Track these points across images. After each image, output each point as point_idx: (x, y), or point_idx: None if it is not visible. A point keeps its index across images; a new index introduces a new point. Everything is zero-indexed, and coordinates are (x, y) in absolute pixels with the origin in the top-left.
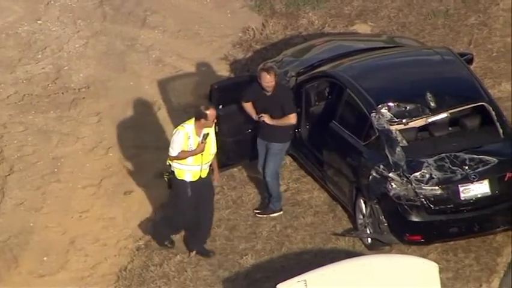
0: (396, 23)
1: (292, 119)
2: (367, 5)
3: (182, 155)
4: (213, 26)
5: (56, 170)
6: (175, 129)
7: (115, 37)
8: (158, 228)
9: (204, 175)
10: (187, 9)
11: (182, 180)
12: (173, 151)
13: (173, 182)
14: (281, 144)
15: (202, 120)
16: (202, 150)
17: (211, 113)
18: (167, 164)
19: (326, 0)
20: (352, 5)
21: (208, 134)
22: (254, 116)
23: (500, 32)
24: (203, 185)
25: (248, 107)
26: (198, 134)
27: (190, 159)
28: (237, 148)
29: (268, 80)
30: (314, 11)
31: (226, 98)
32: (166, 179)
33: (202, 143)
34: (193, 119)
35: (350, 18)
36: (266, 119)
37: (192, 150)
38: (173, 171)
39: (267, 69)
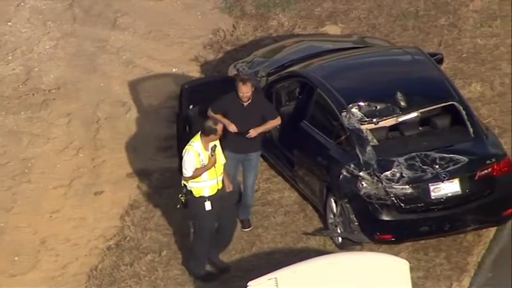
0: (367, 24)
1: (278, 120)
2: (337, 7)
3: (197, 173)
4: (183, 27)
5: (26, 170)
6: (184, 150)
7: (85, 39)
8: (189, 263)
9: (220, 187)
10: (157, 11)
11: (201, 196)
12: (188, 171)
13: (191, 202)
14: (260, 151)
15: (212, 136)
16: (215, 163)
17: (220, 127)
18: (182, 185)
19: (296, 1)
20: (322, 7)
21: (215, 145)
22: (231, 127)
23: (470, 33)
24: (221, 197)
25: (218, 117)
26: (206, 149)
27: (205, 175)
28: None
29: (245, 91)
30: (284, 12)
31: (197, 98)
32: (182, 200)
33: (212, 156)
34: (198, 136)
35: (320, 20)
36: (254, 132)
37: (205, 165)
38: (189, 191)
39: (243, 80)
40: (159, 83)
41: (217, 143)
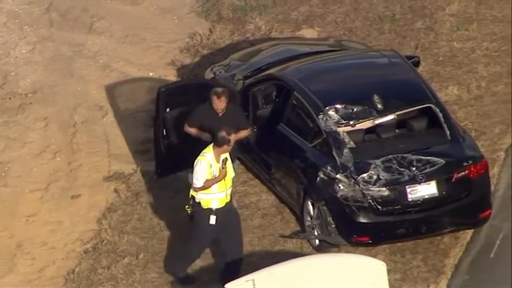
0: (343, 27)
1: (248, 131)
2: (314, 11)
3: (208, 184)
4: (160, 31)
5: (3, 174)
6: (196, 160)
7: (62, 43)
8: (172, 262)
9: (228, 200)
10: (133, 16)
11: (209, 208)
12: (199, 182)
13: (197, 213)
14: (236, 161)
15: (225, 147)
16: (225, 176)
17: (233, 138)
18: (190, 196)
19: (272, 5)
20: (299, 11)
21: (226, 158)
22: (205, 136)
23: (446, 36)
24: (229, 210)
25: (193, 131)
26: (217, 161)
27: (215, 187)
28: (184, 152)
29: (219, 105)
30: (261, 16)
31: (174, 102)
32: (188, 211)
33: (223, 168)
34: (211, 147)
35: (297, 23)
36: (233, 138)
37: (216, 177)
38: (197, 202)
39: (218, 94)
40: (136, 87)
41: (228, 155)
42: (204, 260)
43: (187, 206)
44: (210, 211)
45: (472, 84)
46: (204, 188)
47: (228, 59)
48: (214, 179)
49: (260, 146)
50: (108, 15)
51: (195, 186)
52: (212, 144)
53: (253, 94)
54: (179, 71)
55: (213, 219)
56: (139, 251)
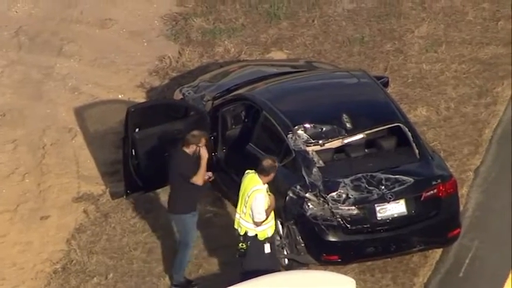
0: (312, 50)
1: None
2: (283, 33)
3: (267, 214)
4: (129, 54)
5: None
6: (254, 195)
7: (31, 66)
8: None
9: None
10: (102, 39)
11: (265, 238)
12: (263, 214)
13: (254, 247)
14: None
15: (272, 174)
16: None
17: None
18: (242, 233)
19: (241, 28)
20: (268, 33)
21: (267, 185)
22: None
23: (415, 58)
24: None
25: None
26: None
27: (270, 216)
28: (154, 172)
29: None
30: (230, 39)
31: (143, 121)
32: (243, 249)
33: (270, 195)
34: (257, 177)
35: (266, 46)
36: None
37: (270, 205)
38: (253, 236)
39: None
40: (105, 109)
41: None
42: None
43: (241, 245)
44: (265, 240)
45: (441, 105)
46: (266, 219)
47: (197, 80)
48: (269, 207)
49: (229, 166)
50: (77, 38)
51: (259, 220)
52: (256, 174)
53: (222, 115)
54: (148, 94)
55: (267, 248)
56: (108, 271)
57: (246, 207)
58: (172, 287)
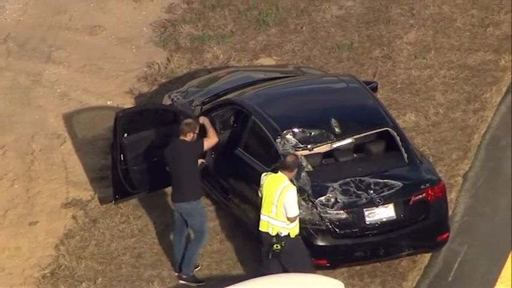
0: (301, 56)
1: None
2: (272, 40)
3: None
4: (118, 61)
5: None
6: (285, 192)
7: (19, 73)
8: None
9: None
10: (91, 45)
11: (297, 235)
12: (296, 209)
13: (289, 244)
14: None
15: (295, 170)
16: None
17: None
18: (276, 234)
19: (230, 35)
20: (257, 40)
21: None
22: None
23: (404, 64)
24: None
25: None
26: None
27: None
28: (142, 177)
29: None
30: (219, 45)
31: (131, 126)
32: (278, 249)
33: None
34: (283, 175)
35: (255, 52)
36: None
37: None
38: (287, 235)
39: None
40: (94, 115)
41: None
42: (161, 285)
43: (276, 246)
44: (298, 236)
45: (430, 111)
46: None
47: (186, 86)
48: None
49: (218, 171)
50: (66, 45)
51: (294, 215)
52: (279, 173)
53: (211, 119)
54: (137, 100)
55: (302, 242)
56: (97, 276)
57: (276, 207)
58: (180, 282)
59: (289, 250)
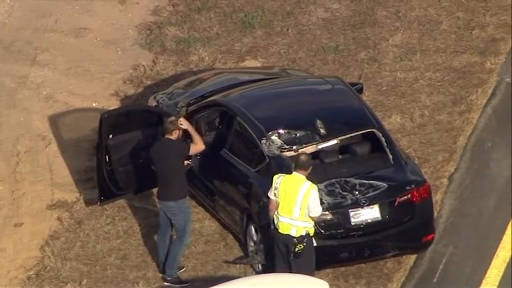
0: (287, 58)
1: None
2: (257, 42)
3: None
4: (104, 63)
5: None
6: (310, 191)
7: (5, 75)
8: None
9: None
10: (77, 48)
11: (313, 234)
12: (320, 208)
13: (309, 244)
14: None
15: (310, 168)
16: None
17: None
18: (299, 236)
19: (216, 37)
20: (242, 42)
21: None
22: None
23: (389, 66)
24: None
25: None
26: None
27: None
28: (127, 178)
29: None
30: (205, 47)
31: (117, 128)
32: (301, 249)
33: None
34: (298, 175)
35: (241, 55)
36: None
37: None
38: (307, 234)
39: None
40: (79, 117)
41: None
42: (146, 286)
43: (299, 246)
44: (313, 235)
45: (415, 113)
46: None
47: (171, 87)
48: None
49: (203, 173)
50: (52, 47)
51: (318, 214)
52: (299, 171)
53: (196, 121)
54: (122, 102)
55: (314, 241)
56: (82, 277)
57: (300, 208)
58: (165, 284)
59: (307, 249)
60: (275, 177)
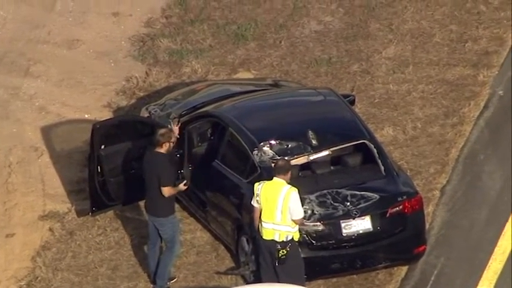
0: (279, 70)
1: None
2: (250, 54)
3: None
4: (96, 75)
5: None
6: (289, 195)
7: None
8: None
9: None
10: (70, 59)
11: (298, 239)
12: (302, 211)
13: (293, 249)
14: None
15: (290, 172)
16: None
17: None
18: (282, 240)
19: (209, 49)
20: (235, 54)
21: None
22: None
23: (382, 79)
24: None
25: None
26: None
27: None
28: (119, 189)
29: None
30: (197, 59)
31: (108, 138)
32: (284, 255)
33: None
34: (279, 180)
35: (233, 66)
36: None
37: None
38: (291, 239)
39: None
40: (72, 128)
41: None
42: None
43: (282, 252)
44: (298, 242)
45: (408, 125)
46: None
47: (164, 99)
48: None
49: (195, 184)
50: (45, 59)
51: (300, 217)
52: (275, 178)
53: (188, 132)
54: (115, 113)
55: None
56: None
57: (281, 212)
58: None
59: (292, 254)
60: (256, 184)
